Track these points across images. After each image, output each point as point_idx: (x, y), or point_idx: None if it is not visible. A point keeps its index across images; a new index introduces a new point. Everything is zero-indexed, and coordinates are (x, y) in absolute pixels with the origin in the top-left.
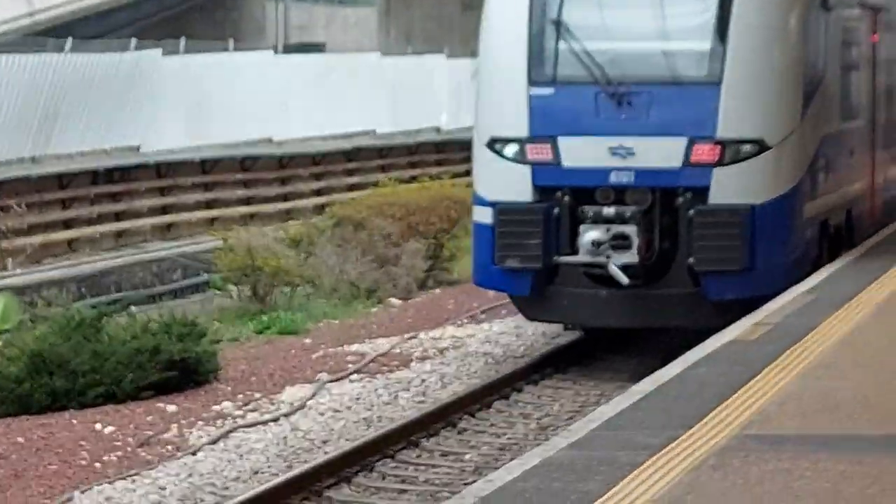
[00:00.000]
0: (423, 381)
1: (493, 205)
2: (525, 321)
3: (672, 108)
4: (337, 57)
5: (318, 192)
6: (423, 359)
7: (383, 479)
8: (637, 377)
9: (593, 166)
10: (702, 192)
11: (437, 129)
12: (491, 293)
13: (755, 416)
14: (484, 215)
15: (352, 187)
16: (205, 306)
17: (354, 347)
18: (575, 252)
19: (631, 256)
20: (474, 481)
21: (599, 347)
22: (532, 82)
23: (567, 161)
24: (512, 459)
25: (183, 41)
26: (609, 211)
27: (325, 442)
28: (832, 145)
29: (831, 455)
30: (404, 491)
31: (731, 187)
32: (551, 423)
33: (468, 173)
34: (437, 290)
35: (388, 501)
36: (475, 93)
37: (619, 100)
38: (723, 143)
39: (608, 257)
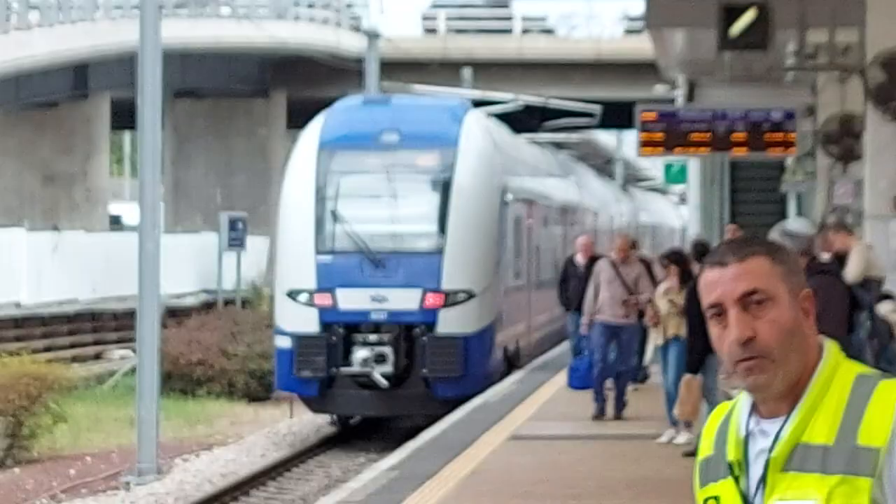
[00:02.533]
0: None
1: (290, 334)
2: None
3: (412, 269)
4: None
5: None
6: None
7: None
8: None
9: (360, 308)
10: (431, 326)
11: (17, 304)
12: (72, 471)
13: None
14: (284, 342)
15: None
16: None
17: None
18: (349, 365)
19: (387, 368)
20: None
21: None
22: (318, 252)
23: (342, 305)
24: None
25: None
26: (372, 337)
27: None
28: (509, 296)
29: None
30: None
31: (450, 322)
32: None
33: (49, 349)
34: (17, 469)
35: None
36: (275, 258)
37: (377, 263)
38: (445, 293)
39: (372, 368)
